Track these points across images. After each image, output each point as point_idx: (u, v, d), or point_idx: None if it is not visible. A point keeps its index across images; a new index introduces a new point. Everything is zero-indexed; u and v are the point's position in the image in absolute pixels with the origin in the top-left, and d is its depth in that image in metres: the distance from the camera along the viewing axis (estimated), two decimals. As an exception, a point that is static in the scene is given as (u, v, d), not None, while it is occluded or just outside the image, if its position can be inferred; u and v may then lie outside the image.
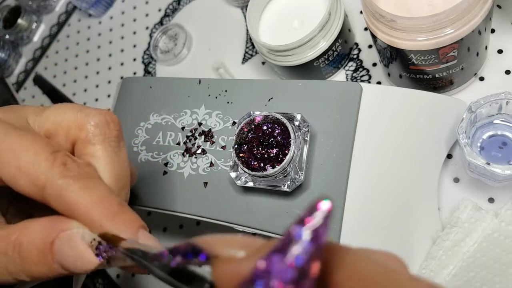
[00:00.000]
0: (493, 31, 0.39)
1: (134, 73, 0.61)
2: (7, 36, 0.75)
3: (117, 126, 0.25)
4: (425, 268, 0.32)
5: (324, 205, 0.13)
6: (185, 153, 0.37)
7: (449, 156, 0.37)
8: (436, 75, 0.34)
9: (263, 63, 0.50)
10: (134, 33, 0.64)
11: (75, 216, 0.21)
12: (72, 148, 0.25)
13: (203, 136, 0.37)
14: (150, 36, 0.62)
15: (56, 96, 0.67)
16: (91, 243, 0.20)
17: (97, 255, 0.20)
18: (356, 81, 0.44)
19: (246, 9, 0.47)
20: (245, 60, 0.52)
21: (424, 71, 0.34)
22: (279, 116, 0.30)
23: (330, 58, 0.41)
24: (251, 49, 0.52)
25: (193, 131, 0.38)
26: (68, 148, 0.25)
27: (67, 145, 0.25)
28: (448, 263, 0.31)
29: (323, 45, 0.39)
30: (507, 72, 0.37)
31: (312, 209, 0.13)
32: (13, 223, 0.22)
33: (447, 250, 0.31)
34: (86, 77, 0.66)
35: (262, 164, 0.30)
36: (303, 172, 0.31)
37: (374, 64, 0.44)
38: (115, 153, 0.25)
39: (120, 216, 0.21)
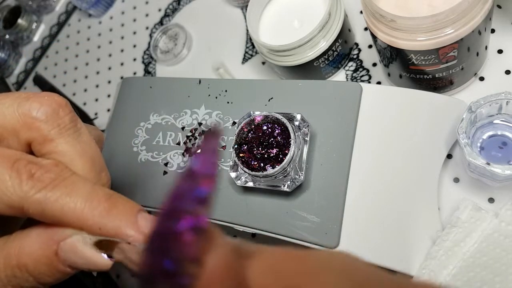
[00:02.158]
0: (493, 31, 0.39)
1: (134, 73, 0.61)
2: (7, 36, 0.75)
3: (66, 109, 0.23)
4: (425, 268, 0.32)
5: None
6: (185, 153, 0.37)
7: (449, 156, 0.37)
8: (436, 75, 0.34)
9: (263, 63, 0.50)
10: (134, 33, 0.64)
11: (68, 225, 0.19)
12: (28, 149, 0.23)
13: (203, 136, 0.37)
14: (150, 36, 0.62)
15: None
16: (97, 244, 0.20)
17: (108, 255, 0.20)
18: (356, 81, 0.44)
19: (246, 9, 0.47)
20: (245, 60, 0.52)
21: (424, 71, 0.34)
22: (279, 116, 0.30)
23: (330, 58, 0.41)
24: (251, 49, 0.52)
25: (193, 131, 0.38)
26: (24, 149, 0.22)
27: (22, 147, 0.22)
28: (448, 263, 0.31)
29: (323, 45, 0.39)
30: (507, 72, 0.37)
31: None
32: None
33: (447, 250, 0.31)
34: (86, 77, 0.66)
35: (262, 164, 0.30)
36: (303, 172, 0.31)
37: (374, 64, 0.44)
38: (77, 140, 0.22)
39: (113, 211, 0.20)
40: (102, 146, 0.34)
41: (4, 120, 0.22)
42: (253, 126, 0.31)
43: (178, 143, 0.38)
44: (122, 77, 0.62)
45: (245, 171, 0.31)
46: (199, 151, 0.15)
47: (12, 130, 0.22)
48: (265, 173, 0.30)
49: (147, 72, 0.60)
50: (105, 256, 0.20)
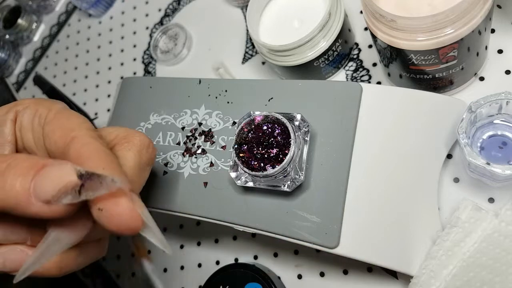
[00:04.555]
0: (493, 31, 0.39)
1: (134, 73, 0.61)
2: (7, 36, 0.75)
3: (152, 153, 0.29)
4: (425, 268, 0.32)
5: None
6: (185, 153, 0.37)
7: (449, 156, 0.37)
8: (436, 75, 0.34)
9: (263, 63, 0.50)
10: (134, 33, 0.64)
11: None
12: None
13: (203, 136, 0.37)
14: (150, 36, 0.62)
15: (56, 96, 0.67)
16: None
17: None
18: (356, 81, 0.44)
19: (246, 9, 0.47)
20: (245, 60, 0.52)
21: (424, 71, 0.34)
22: (279, 116, 0.30)
23: (330, 58, 0.41)
24: (251, 49, 0.52)
25: (193, 131, 0.38)
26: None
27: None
28: (448, 263, 0.31)
29: (323, 45, 0.39)
30: (507, 72, 0.37)
31: None
32: None
33: (447, 250, 0.31)
34: (86, 77, 0.66)
35: (262, 164, 0.30)
36: (303, 172, 0.31)
37: (374, 64, 0.44)
38: (140, 168, 0.27)
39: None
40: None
41: (116, 130, 0.29)
42: (253, 126, 0.31)
43: (178, 143, 0.38)
44: (122, 77, 0.62)
45: (245, 171, 0.31)
46: None
47: (114, 136, 0.29)
48: (265, 173, 0.30)
49: (147, 72, 0.60)
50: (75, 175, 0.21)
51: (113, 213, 0.22)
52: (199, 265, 0.47)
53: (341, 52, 0.42)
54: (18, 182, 0.21)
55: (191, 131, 0.38)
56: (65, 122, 0.25)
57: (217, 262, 0.46)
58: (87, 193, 0.21)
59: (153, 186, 0.38)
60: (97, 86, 0.65)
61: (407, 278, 0.33)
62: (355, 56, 0.45)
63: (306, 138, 0.31)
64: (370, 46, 0.45)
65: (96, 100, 0.64)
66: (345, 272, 0.39)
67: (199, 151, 0.37)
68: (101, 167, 0.22)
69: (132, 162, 0.27)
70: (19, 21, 0.73)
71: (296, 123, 0.31)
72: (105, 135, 0.28)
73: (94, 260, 0.28)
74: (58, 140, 0.24)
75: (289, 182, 0.30)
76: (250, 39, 0.53)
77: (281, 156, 0.30)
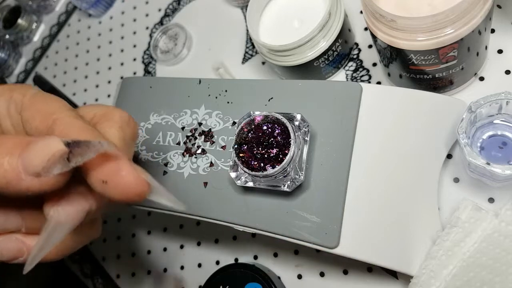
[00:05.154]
0: (493, 31, 0.39)
1: (134, 73, 0.61)
2: (7, 36, 0.75)
3: (134, 128, 0.29)
4: (425, 268, 0.32)
5: None
6: (185, 153, 0.37)
7: (449, 156, 0.37)
8: (436, 75, 0.34)
9: (263, 63, 0.50)
10: (134, 33, 0.64)
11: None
12: None
13: (203, 136, 0.37)
14: (150, 36, 0.62)
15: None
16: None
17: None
18: (356, 81, 0.44)
19: (246, 9, 0.47)
20: (245, 60, 0.52)
21: (424, 71, 0.34)
22: (279, 116, 0.30)
23: (330, 58, 0.41)
24: (251, 49, 0.52)
25: (193, 131, 0.38)
26: None
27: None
28: (448, 263, 0.31)
29: (323, 45, 0.39)
30: (507, 72, 0.37)
31: None
32: None
33: (447, 250, 0.31)
34: (86, 77, 0.66)
35: (262, 164, 0.30)
36: (303, 172, 0.31)
37: (374, 64, 0.44)
38: (125, 144, 0.27)
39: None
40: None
41: (94, 109, 0.29)
42: (253, 126, 0.31)
43: (178, 143, 0.38)
44: (122, 77, 0.62)
45: (245, 171, 0.31)
46: None
47: (92, 115, 0.28)
48: (265, 173, 0.30)
49: (147, 72, 0.60)
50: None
51: (118, 182, 0.22)
52: (199, 265, 0.47)
53: (341, 52, 0.42)
54: (5, 161, 0.21)
55: (191, 131, 0.38)
56: (43, 106, 0.25)
57: (217, 262, 0.46)
58: (76, 159, 0.21)
59: (153, 186, 0.38)
60: (97, 86, 0.65)
61: (407, 278, 0.33)
62: (355, 56, 0.45)
63: (306, 138, 0.31)
64: (370, 46, 0.45)
65: (96, 100, 0.63)
66: (345, 272, 0.39)
67: (199, 151, 0.37)
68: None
69: (116, 139, 0.26)
70: (19, 21, 0.73)
71: (296, 123, 0.31)
72: (84, 114, 0.27)
73: (90, 241, 0.29)
74: (40, 125, 0.24)
75: (289, 182, 0.30)
76: (250, 39, 0.53)
77: (281, 156, 0.30)
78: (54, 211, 0.22)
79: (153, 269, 0.49)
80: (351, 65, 0.45)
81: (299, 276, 0.41)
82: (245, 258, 0.44)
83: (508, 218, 0.31)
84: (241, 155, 0.31)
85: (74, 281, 0.55)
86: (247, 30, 0.53)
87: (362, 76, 0.44)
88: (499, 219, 0.31)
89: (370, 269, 0.38)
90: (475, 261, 0.31)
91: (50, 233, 0.22)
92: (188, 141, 0.38)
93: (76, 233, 0.26)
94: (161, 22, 0.62)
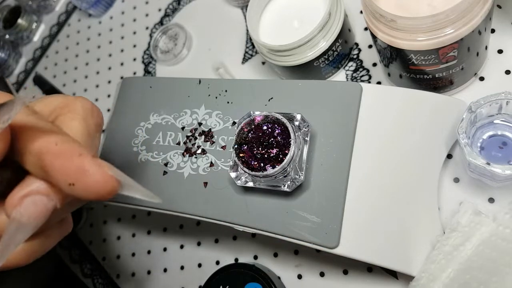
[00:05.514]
0: (493, 31, 0.39)
1: (134, 73, 0.61)
2: (7, 36, 0.75)
3: (98, 117, 0.27)
4: (425, 272, 0.32)
5: None
6: (185, 153, 0.37)
7: (449, 156, 0.37)
8: (436, 75, 0.34)
9: (263, 63, 0.50)
10: (134, 33, 0.64)
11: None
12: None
13: (203, 136, 0.37)
14: (150, 36, 0.62)
15: (56, 96, 0.67)
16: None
17: None
18: (356, 81, 0.44)
19: (246, 9, 0.47)
20: (245, 60, 0.52)
21: (424, 71, 0.34)
22: (279, 116, 0.30)
23: (330, 58, 0.41)
24: (251, 49, 0.52)
25: (193, 131, 0.38)
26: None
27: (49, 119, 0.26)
28: (447, 266, 0.31)
29: (323, 45, 0.39)
30: (507, 72, 0.37)
31: None
32: None
33: (447, 254, 0.31)
34: (86, 77, 0.66)
35: (262, 164, 0.30)
36: (303, 172, 0.31)
37: (374, 64, 0.44)
38: (90, 136, 0.26)
39: None
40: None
41: (52, 101, 0.27)
42: (253, 126, 0.31)
43: (178, 143, 0.38)
44: (122, 77, 0.62)
45: (245, 171, 0.31)
46: None
47: (53, 108, 0.27)
48: (265, 173, 0.30)
49: (147, 72, 0.60)
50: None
51: (86, 182, 0.21)
52: (199, 265, 0.47)
53: (341, 52, 0.42)
54: None
55: (191, 131, 0.38)
56: None
57: (217, 262, 0.46)
58: (2, 120, 0.20)
59: (153, 186, 0.38)
60: (97, 86, 0.65)
61: (407, 278, 0.33)
62: (355, 56, 0.45)
63: (306, 138, 0.31)
64: (370, 46, 0.45)
65: (96, 100, 0.63)
66: (345, 272, 0.39)
67: (199, 151, 0.37)
68: (54, 142, 0.21)
69: (79, 131, 0.25)
70: (19, 21, 0.73)
71: (296, 123, 0.31)
72: (42, 107, 0.26)
73: (61, 238, 0.28)
74: None
75: (289, 182, 0.30)
76: (250, 39, 0.52)
77: (281, 156, 0.30)
78: (16, 213, 0.21)
79: (153, 269, 0.49)
80: (351, 65, 0.45)
81: (299, 276, 0.41)
82: (245, 258, 0.44)
83: (506, 221, 0.31)
84: (241, 155, 0.31)
85: (74, 281, 0.55)
86: (247, 30, 0.53)
87: (362, 76, 0.44)
88: (497, 222, 0.31)
89: (370, 269, 0.38)
90: (472, 264, 0.31)
91: (11, 234, 0.21)
92: (188, 141, 0.38)
93: (45, 235, 0.26)
94: (161, 22, 0.62)
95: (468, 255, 0.31)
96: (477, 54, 0.34)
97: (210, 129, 0.37)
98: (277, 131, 0.30)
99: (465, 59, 0.33)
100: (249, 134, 0.31)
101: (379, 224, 0.31)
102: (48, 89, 0.69)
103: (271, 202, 0.32)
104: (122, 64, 0.63)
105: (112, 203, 0.41)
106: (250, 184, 0.32)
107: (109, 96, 0.62)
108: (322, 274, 0.40)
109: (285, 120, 0.30)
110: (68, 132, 0.24)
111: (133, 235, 0.52)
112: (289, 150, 0.29)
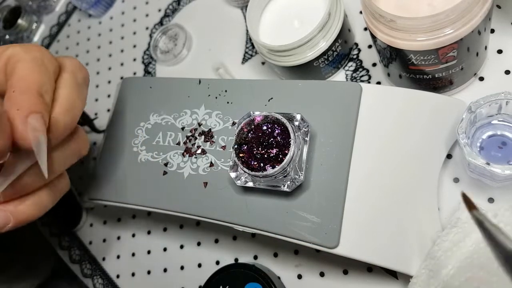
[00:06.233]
0: (493, 31, 0.39)
1: (134, 73, 0.61)
2: (7, 36, 0.75)
3: (85, 72, 0.36)
4: (425, 268, 0.32)
5: None
6: (185, 153, 0.37)
7: (449, 156, 0.37)
8: (436, 75, 0.34)
9: (263, 63, 0.51)
10: (134, 33, 0.64)
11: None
12: None
13: (203, 136, 0.37)
14: (150, 36, 0.62)
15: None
16: None
17: None
18: (356, 81, 0.44)
19: (246, 9, 0.47)
20: (245, 60, 0.52)
21: (424, 71, 0.34)
22: (279, 116, 0.30)
23: (330, 58, 0.41)
24: (251, 49, 0.52)
25: (193, 131, 0.38)
26: None
27: None
28: (447, 263, 0.31)
29: (323, 45, 0.39)
30: (507, 72, 0.37)
31: None
32: None
33: (446, 250, 0.31)
34: (86, 77, 0.66)
35: (262, 164, 0.30)
36: (303, 172, 0.31)
37: (374, 64, 0.44)
38: (78, 85, 0.33)
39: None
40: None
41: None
42: (253, 126, 0.31)
43: (178, 143, 0.38)
44: (122, 77, 0.62)
45: (245, 171, 0.31)
46: None
47: None
48: (265, 173, 0.30)
49: (147, 72, 0.60)
50: None
51: (14, 131, 0.26)
52: (199, 265, 0.47)
53: (341, 52, 0.42)
54: None
55: (191, 131, 0.38)
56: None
57: (217, 262, 0.46)
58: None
59: (153, 186, 0.38)
60: (97, 86, 0.65)
61: (407, 278, 0.33)
62: (354, 56, 0.45)
63: (306, 138, 0.31)
64: (369, 46, 0.45)
65: (96, 100, 0.64)
66: (345, 272, 0.39)
67: (199, 151, 0.37)
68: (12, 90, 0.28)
69: (68, 81, 0.32)
70: (19, 21, 0.73)
71: (296, 123, 0.31)
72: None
73: (62, 194, 0.33)
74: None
75: (289, 182, 0.30)
76: (250, 39, 0.53)
77: (281, 156, 0.30)
78: (31, 128, 0.27)
79: (153, 269, 0.49)
80: (351, 65, 0.45)
81: (299, 276, 0.41)
82: (245, 258, 0.44)
83: (507, 218, 0.31)
84: (241, 155, 0.31)
85: (74, 281, 0.55)
86: (247, 30, 0.53)
87: (362, 76, 0.44)
88: (497, 219, 0.31)
89: (370, 269, 0.38)
90: (473, 262, 0.31)
91: (35, 153, 0.27)
92: (188, 141, 0.38)
93: (49, 187, 0.31)
94: (161, 23, 0.62)
95: (469, 252, 0.31)
96: (477, 54, 0.34)
97: (210, 129, 0.37)
98: (277, 131, 0.30)
99: (465, 59, 0.33)
100: (249, 134, 0.31)
101: (379, 224, 0.31)
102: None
103: (271, 202, 0.32)
104: (122, 64, 0.63)
105: (113, 203, 0.41)
106: (250, 184, 0.32)
107: (109, 96, 0.62)
108: (322, 274, 0.40)
109: (285, 120, 0.30)
110: (60, 80, 0.32)
111: (133, 235, 0.52)
112: (289, 150, 0.29)
